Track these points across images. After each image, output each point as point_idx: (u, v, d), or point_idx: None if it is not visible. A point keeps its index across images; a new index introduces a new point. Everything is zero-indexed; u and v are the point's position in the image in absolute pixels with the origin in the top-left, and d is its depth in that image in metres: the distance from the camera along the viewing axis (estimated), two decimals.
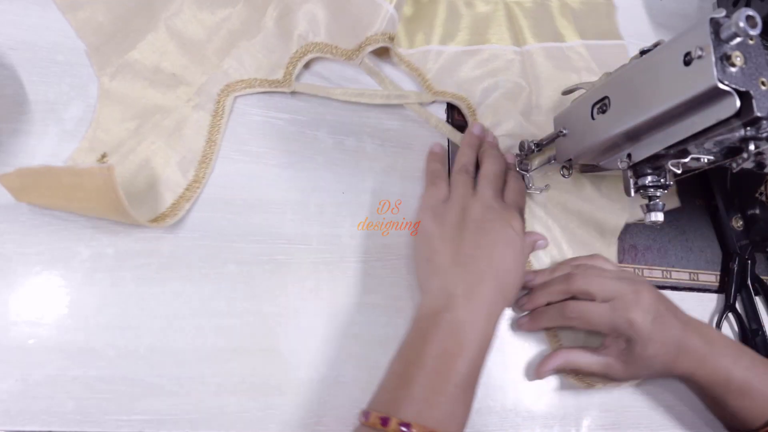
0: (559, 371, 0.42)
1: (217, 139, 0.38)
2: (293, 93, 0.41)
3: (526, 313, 0.42)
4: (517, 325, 0.42)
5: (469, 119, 0.45)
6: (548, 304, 0.41)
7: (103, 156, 0.35)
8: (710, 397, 0.40)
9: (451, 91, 0.45)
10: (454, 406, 0.32)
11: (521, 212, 0.41)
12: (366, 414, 0.31)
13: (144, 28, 0.38)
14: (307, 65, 0.43)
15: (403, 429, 0.29)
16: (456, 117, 0.46)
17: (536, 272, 0.43)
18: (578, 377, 0.42)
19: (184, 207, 0.36)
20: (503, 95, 0.47)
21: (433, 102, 0.46)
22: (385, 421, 0.30)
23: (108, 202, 0.30)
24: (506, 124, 0.45)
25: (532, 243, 0.43)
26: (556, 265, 0.43)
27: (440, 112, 0.46)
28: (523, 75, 0.48)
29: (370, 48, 0.42)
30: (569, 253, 0.45)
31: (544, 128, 0.46)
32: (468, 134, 0.43)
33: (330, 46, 0.42)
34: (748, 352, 0.40)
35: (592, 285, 0.39)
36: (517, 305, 0.43)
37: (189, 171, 0.37)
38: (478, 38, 0.48)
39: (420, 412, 0.30)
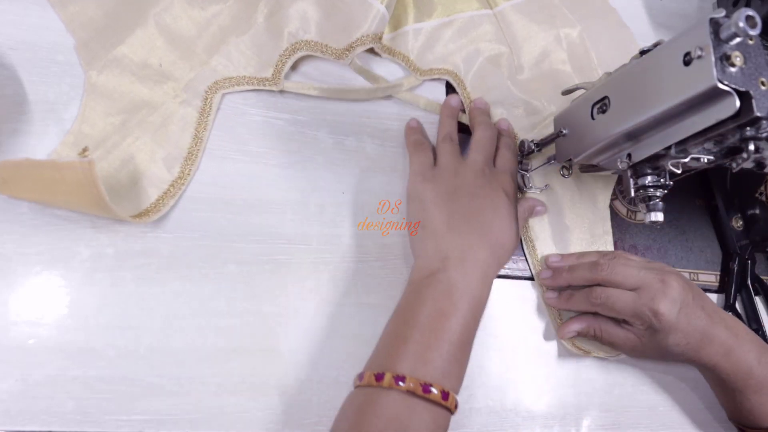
0: (582, 334, 0.42)
1: (203, 136, 0.38)
2: (293, 93, 0.41)
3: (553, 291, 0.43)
4: (545, 299, 0.43)
5: (459, 91, 0.45)
6: (569, 287, 0.42)
7: (84, 150, 0.34)
8: (729, 389, 0.40)
9: (437, 67, 0.46)
10: (448, 363, 0.32)
11: (513, 177, 0.41)
12: (360, 375, 0.32)
13: (133, 23, 0.38)
14: (296, 64, 0.42)
15: (400, 384, 0.30)
16: None
17: (562, 255, 0.43)
18: (579, 347, 0.42)
19: (168, 203, 0.36)
20: (487, 60, 0.47)
21: (422, 83, 0.45)
22: (379, 377, 0.30)
23: (89, 196, 0.30)
24: (495, 92, 0.46)
25: (531, 208, 0.43)
26: (583, 253, 0.43)
27: (439, 91, 0.46)
28: (500, 38, 0.48)
29: (360, 49, 0.41)
30: (570, 215, 0.45)
31: (528, 88, 0.47)
32: (446, 106, 0.44)
33: (320, 45, 0.42)
34: None
35: (617, 275, 0.39)
36: (540, 281, 0.43)
37: (174, 167, 0.37)
38: (450, 9, 0.48)
39: (414, 368, 0.31)
